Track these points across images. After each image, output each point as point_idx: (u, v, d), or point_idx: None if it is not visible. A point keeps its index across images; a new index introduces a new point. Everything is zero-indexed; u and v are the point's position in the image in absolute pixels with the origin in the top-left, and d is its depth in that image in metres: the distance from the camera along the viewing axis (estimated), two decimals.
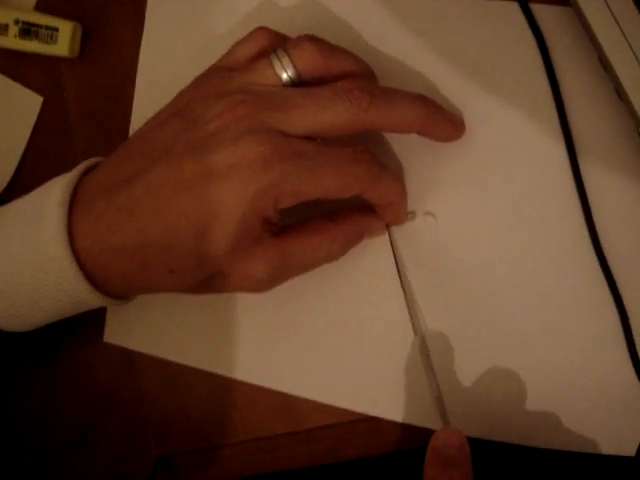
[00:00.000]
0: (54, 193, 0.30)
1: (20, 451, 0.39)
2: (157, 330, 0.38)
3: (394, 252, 0.35)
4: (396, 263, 0.35)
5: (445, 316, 0.35)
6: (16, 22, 0.38)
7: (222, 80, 0.32)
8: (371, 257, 0.36)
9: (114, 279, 0.31)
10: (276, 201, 0.29)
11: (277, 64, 0.31)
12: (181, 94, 0.33)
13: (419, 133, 0.33)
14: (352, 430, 0.36)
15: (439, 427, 0.33)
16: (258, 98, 0.30)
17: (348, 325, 0.36)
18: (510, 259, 0.35)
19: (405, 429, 0.35)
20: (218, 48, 0.38)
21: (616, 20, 0.32)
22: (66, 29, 0.38)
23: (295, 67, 0.31)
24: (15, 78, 0.40)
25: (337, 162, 0.30)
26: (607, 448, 0.34)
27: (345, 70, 0.32)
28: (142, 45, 0.39)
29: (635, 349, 0.33)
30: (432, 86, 0.36)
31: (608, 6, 0.32)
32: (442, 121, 0.33)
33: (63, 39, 0.38)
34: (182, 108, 0.31)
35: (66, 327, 0.38)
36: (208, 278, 0.31)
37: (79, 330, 0.39)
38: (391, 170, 0.32)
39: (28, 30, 0.38)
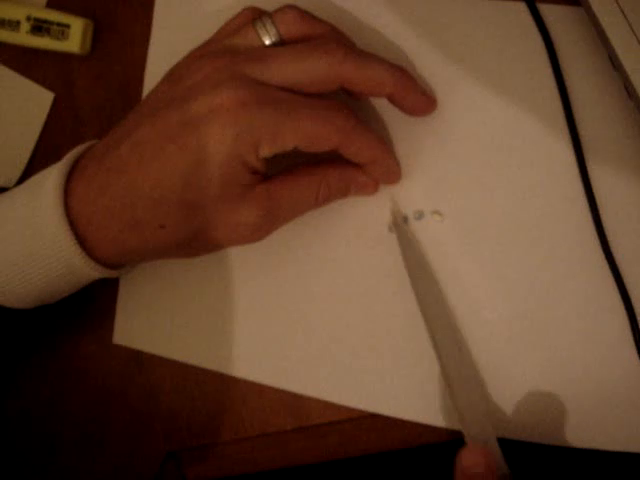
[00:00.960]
0: (55, 167, 0.32)
1: (29, 447, 0.39)
2: (165, 331, 0.38)
3: (402, 250, 0.35)
4: (405, 262, 0.35)
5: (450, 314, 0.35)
6: (28, 19, 0.39)
7: (206, 46, 0.33)
8: (380, 255, 0.36)
9: (108, 241, 0.31)
10: (256, 146, 0.30)
11: (261, 29, 0.32)
12: (171, 67, 0.34)
13: (391, 99, 0.33)
14: (359, 426, 0.36)
15: (444, 424, 0.34)
16: (238, 52, 0.31)
17: (356, 324, 0.36)
18: (517, 258, 0.35)
19: (412, 426, 0.35)
20: None
21: (627, 18, 0.32)
22: (77, 26, 0.38)
23: (278, 31, 0.32)
24: (26, 74, 0.40)
25: (315, 109, 0.31)
26: (615, 445, 0.33)
27: (325, 35, 0.33)
28: (150, 42, 0.39)
29: None
30: (438, 86, 0.36)
31: (619, 5, 0.32)
32: (414, 90, 0.34)
33: (74, 36, 0.39)
34: (169, 74, 0.33)
35: (76, 324, 0.38)
36: (200, 232, 0.31)
37: (88, 327, 0.39)
38: (370, 128, 0.33)
39: (40, 27, 0.39)
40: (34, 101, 0.40)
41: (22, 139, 0.40)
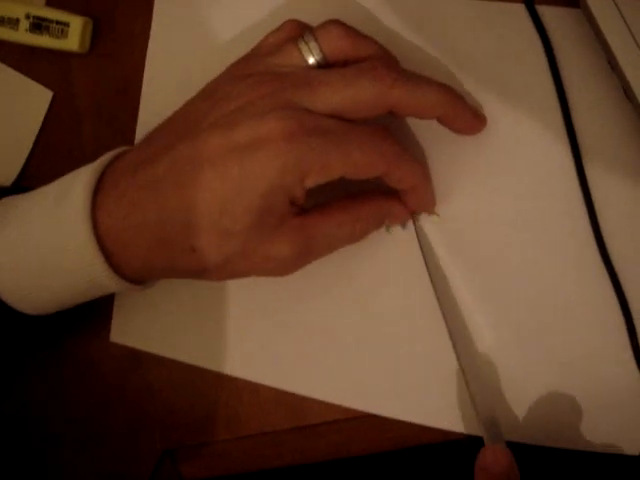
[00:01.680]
0: (82, 176, 0.30)
1: (26, 445, 0.39)
2: (163, 330, 0.38)
3: (421, 247, 0.35)
4: (424, 258, 0.35)
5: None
6: (27, 17, 0.39)
7: (248, 64, 0.32)
8: (378, 255, 0.36)
9: (135, 258, 0.31)
10: (303, 177, 0.29)
11: (304, 47, 0.31)
12: (210, 82, 0.33)
13: (440, 120, 0.33)
14: (356, 426, 0.36)
15: (444, 425, 0.34)
16: (283, 77, 0.30)
17: (354, 323, 0.36)
18: (513, 259, 0.35)
19: (409, 426, 0.35)
20: (225, 44, 0.38)
21: (625, 20, 0.32)
22: (77, 24, 0.38)
23: (321, 50, 0.31)
24: (25, 72, 0.40)
25: (362, 138, 0.30)
26: (610, 447, 0.34)
27: (370, 54, 0.32)
28: (150, 40, 0.39)
29: (639, 348, 0.34)
30: None
31: (617, 7, 0.32)
32: (465, 110, 0.33)
33: (74, 34, 0.38)
34: (209, 92, 0.32)
35: (73, 322, 0.38)
36: (229, 260, 0.30)
37: (86, 325, 0.39)
38: (412, 154, 0.32)
39: (39, 25, 0.39)
40: (33, 99, 0.40)
41: (21, 137, 0.40)
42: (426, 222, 0.35)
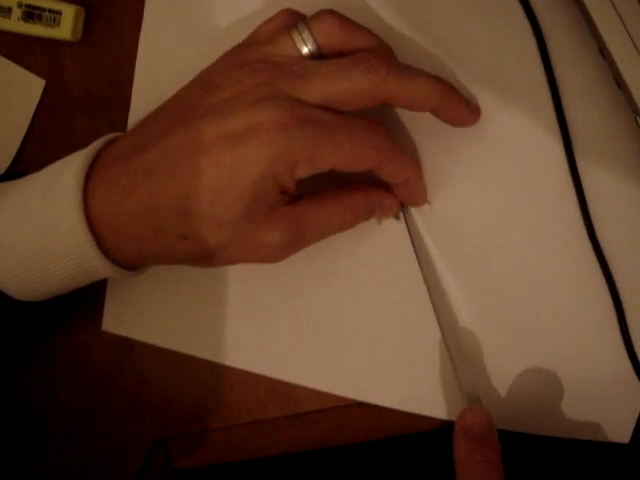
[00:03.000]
0: (74, 162, 0.31)
1: (17, 433, 0.39)
2: (155, 319, 0.38)
3: (411, 236, 0.35)
4: (414, 248, 0.35)
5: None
6: (19, 5, 0.39)
7: (243, 53, 0.32)
8: (370, 245, 0.36)
9: (127, 244, 0.31)
10: (293, 167, 0.29)
11: (297, 37, 0.31)
12: (204, 70, 0.33)
13: (434, 112, 0.33)
14: (348, 414, 0.36)
15: (434, 413, 0.34)
16: (277, 67, 0.30)
17: (345, 312, 0.36)
18: (504, 249, 0.35)
19: (401, 414, 0.35)
20: (217, 31, 0.38)
21: (615, 8, 0.32)
22: (69, 13, 0.38)
23: (315, 40, 0.31)
24: (17, 61, 0.40)
25: (354, 130, 0.30)
26: (601, 435, 0.34)
27: (365, 45, 0.32)
28: (142, 29, 0.39)
29: (630, 339, 0.34)
30: None
31: None
32: (458, 102, 0.33)
33: (66, 22, 0.38)
34: (204, 79, 0.32)
35: (65, 310, 0.38)
36: (221, 247, 0.31)
37: (77, 313, 0.39)
38: (404, 148, 0.33)
39: (31, 13, 0.39)
40: (25, 88, 0.40)
41: (13, 126, 0.40)
42: (417, 212, 0.36)
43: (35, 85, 0.40)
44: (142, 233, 0.30)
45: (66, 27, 0.39)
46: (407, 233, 0.35)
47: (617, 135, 0.35)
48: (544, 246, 0.35)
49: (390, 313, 0.35)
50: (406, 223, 0.35)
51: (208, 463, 0.38)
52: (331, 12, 0.32)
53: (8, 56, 0.40)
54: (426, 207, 0.35)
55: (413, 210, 0.36)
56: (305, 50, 0.31)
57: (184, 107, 0.31)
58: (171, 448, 0.38)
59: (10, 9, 0.39)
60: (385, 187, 0.34)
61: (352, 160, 0.30)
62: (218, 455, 0.38)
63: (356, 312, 0.36)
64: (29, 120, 0.40)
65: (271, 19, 0.33)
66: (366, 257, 0.36)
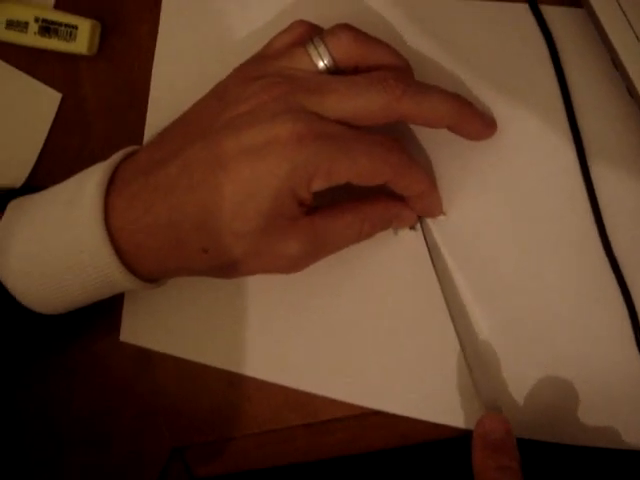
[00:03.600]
0: (93, 176, 0.31)
1: (35, 442, 0.39)
2: (172, 330, 0.38)
3: (428, 246, 0.35)
4: (431, 258, 0.35)
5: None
6: (36, 20, 0.39)
7: (259, 66, 0.32)
8: (387, 255, 0.36)
9: (147, 258, 0.31)
10: (309, 181, 0.30)
11: (313, 52, 0.31)
12: (220, 82, 0.33)
13: (450, 129, 0.33)
14: (365, 422, 0.36)
15: (451, 422, 0.34)
16: (294, 81, 0.31)
17: (362, 321, 0.36)
18: (518, 257, 0.35)
19: (417, 423, 0.35)
20: (232, 43, 0.39)
21: (628, 19, 0.33)
22: (85, 27, 0.39)
23: (331, 55, 0.31)
24: (34, 75, 0.41)
25: (370, 145, 0.31)
26: (614, 442, 0.34)
27: (381, 60, 0.32)
28: (157, 42, 0.40)
29: None
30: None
31: (620, 6, 0.33)
32: (473, 118, 0.33)
33: (82, 37, 0.39)
34: (220, 92, 0.32)
35: (83, 321, 0.38)
36: (241, 259, 0.31)
37: (95, 324, 0.39)
38: (419, 163, 0.33)
39: (48, 28, 0.39)
40: (42, 101, 0.40)
41: (30, 139, 0.40)
42: (433, 222, 0.36)
43: (52, 98, 0.40)
44: (163, 247, 0.31)
45: (82, 41, 0.39)
46: (424, 243, 0.35)
47: (630, 144, 0.35)
48: (558, 252, 0.35)
49: (407, 322, 0.36)
50: (423, 233, 0.36)
51: (226, 472, 0.38)
52: (347, 26, 0.32)
53: (25, 70, 0.41)
54: (441, 217, 0.36)
55: (429, 220, 0.36)
56: (321, 65, 0.31)
57: (202, 121, 0.32)
58: (189, 457, 0.39)
59: (27, 24, 0.39)
60: (401, 199, 0.34)
61: (367, 174, 0.31)
62: (236, 464, 0.38)
63: (373, 321, 0.36)
64: (46, 133, 0.40)
65: (285, 31, 0.33)
66: (382, 267, 0.36)
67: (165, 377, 0.38)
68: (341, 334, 0.36)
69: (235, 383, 0.37)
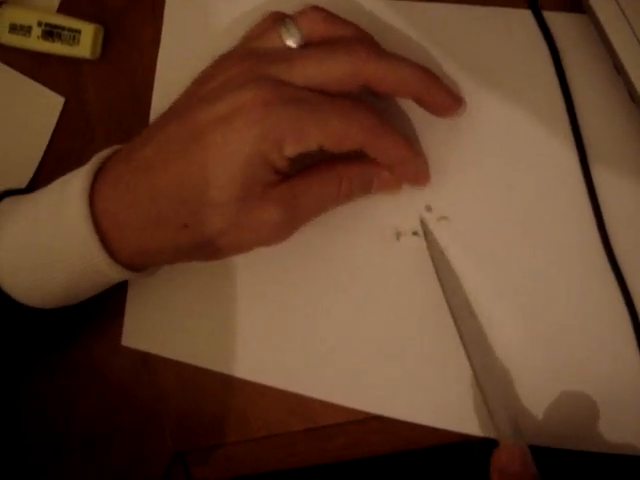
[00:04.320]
0: (83, 167, 0.32)
1: (37, 446, 0.39)
2: (173, 334, 0.38)
3: (430, 250, 0.35)
4: (433, 261, 0.35)
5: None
6: (39, 24, 0.39)
7: (234, 50, 0.34)
8: (387, 261, 0.36)
9: (130, 240, 0.32)
10: (280, 144, 0.30)
11: (284, 31, 0.32)
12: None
13: (417, 100, 0.33)
14: (365, 428, 0.36)
15: (461, 429, 0.34)
16: (263, 55, 0.32)
17: (362, 326, 0.36)
18: (520, 259, 0.35)
19: (417, 428, 0.35)
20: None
21: (630, 25, 0.33)
22: (88, 31, 0.39)
23: (300, 32, 0.32)
24: (37, 79, 0.41)
25: (340, 107, 0.31)
26: (615, 448, 0.34)
27: (348, 35, 0.33)
28: (160, 47, 0.40)
29: None
30: None
31: (622, 11, 0.33)
32: (439, 89, 0.33)
33: (85, 41, 0.39)
34: (197, 79, 0.33)
35: (85, 325, 0.39)
36: (222, 232, 0.31)
37: (97, 329, 0.39)
38: (397, 128, 0.33)
39: (51, 32, 0.39)
40: (45, 105, 0.40)
41: (33, 142, 0.40)
42: (435, 226, 0.36)
43: (54, 102, 0.40)
44: (144, 226, 0.31)
45: (85, 45, 0.39)
46: (425, 247, 0.35)
47: (631, 148, 0.35)
48: (559, 255, 0.35)
49: (409, 327, 0.35)
50: (424, 234, 0.36)
51: (227, 476, 0.38)
52: (317, 7, 0.33)
53: (28, 74, 0.41)
54: (444, 222, 0.36)
55: (431, 225, 0.36)
56: (290, 42, 0.32)
57: (178, 105, 0.33)
58: (190, 461, 0.39)
59: (30, 28, 0.39)
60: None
61: (339, 137, 0.31)
62: (236, 468, 0.38)
63: (374, 326, 0.36)
64: (48, 137, 0.40)
65: (260, 22, 0.34)
66: (385, 271, 0.36)
67: (166, 381, 0.38)
68: (342, 339, 0.36)
69: (236, 388, 0.37)
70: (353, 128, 0.31)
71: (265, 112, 0.29)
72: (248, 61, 0.31)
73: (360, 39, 0.33)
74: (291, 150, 0.30)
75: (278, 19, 0.33)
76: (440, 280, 0.35)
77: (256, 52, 0.32)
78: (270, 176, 0.31)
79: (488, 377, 0.33)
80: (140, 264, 0.34)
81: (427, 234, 0.35)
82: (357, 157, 0.33)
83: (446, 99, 0.34)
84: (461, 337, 0.34)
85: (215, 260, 0.34)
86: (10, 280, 0.32)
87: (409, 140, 0.33)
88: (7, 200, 0.34)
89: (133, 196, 0.31)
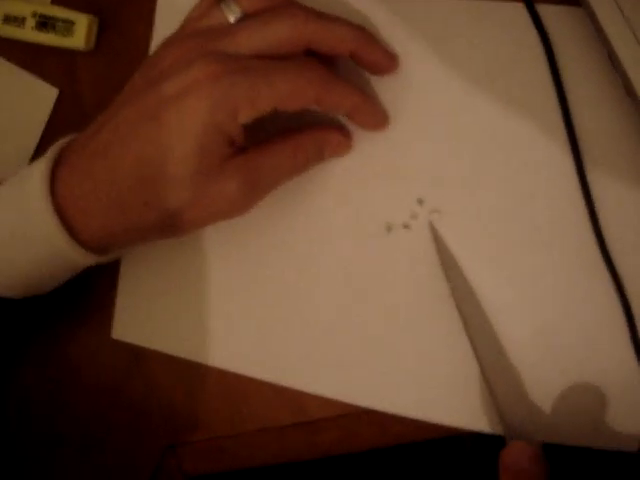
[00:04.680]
0: (42, 157, 0.33)
1: (27, 443, 0.39)
2: (164, 327, 0.38)
3: (436, 243, 0.35)
4: (439, 255, 0.35)
5: (450, 309, 0.35)
6: (33, 15, 0.39)
7: (177, 33, 0.34)
8: (379, 254, 0.36)
9: (94, 224, 0.32)
10: (234, 113, 0.31)
11: (224, 7, 0.33)
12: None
13: (354, 57, 0.34)
14: (357, 422, 0.36)
15: (451, 423, 0.34)
16: (207, 33, 0.32)
17: (355, 319, 0.36)
18: (515, 259, 0.35)
19: (410, 422, 0.35)
20: None
21: (626, 18, 0.32)
22: (82, 22, 0.39)
23: (241, 7, 0.33)
24: (31, 70, 0.41)
25: (287, 68, 0.32)
26: (609, 443, 0.34)
27: (286, 4, 0.33)
28: (153, 38, 0.40)
29: (639, 346, 0.34)
30: (434, 86, 0.36)
31: (618, 5, 0.33)
32: (375, 47, 0.35)
33: (79, 32, 0.39)
34: (144, 65, 0.34)
35: (74, 319, 0.39)
36: (182, 207, 0.32)
37: (87, 322, 0.39)
38: (345, 78, 0.34)
39: (45, 23, 0.39)
40: (38, 97, 0.40)
41: (26, 134, 0.40)
42: (426, 221, 0.36)
43: (48, 94, 0.40)
44: (106, 209, 0.32)
45: (79, 37, 0.39)
46: (417, 242, 0.35)
47: (627, 144, 0.35)
48: (554, 254, 0.35)
49: (402, 321, 0.35)
50: (430, 228, 0.35)
51: (219, 470, 0.38)
52: None
53: (22, 65, 0.41)
54: (435, 216, 0.35)
55: (422, 219, 0.36)
56: (232, 19, 0.33)
57: (129, 91, 0.33)
58: (182, 455, 0.38)
59: (24, 19, 0.39)
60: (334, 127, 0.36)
61: (290, 96, 0.32)
62: (228, 462, 0.38)
63: (367, 320, 0.36)
64: (42, 128, 0.40)
65: (201, 1, 0.35)
66: (376, 265, 0.36)
67: (157, 375, 0.38)
68: (334, 332, 0.36)
69: (228, 381, 0.37)
70: (302, 85, 0.32)
71: (215, 85, 0.30)
72: (192, 40, 0.32)
73: (297, 4, 0.33)
74: (245, 116, 0.31)
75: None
76: (444, 270, 0.35)
77: (199, 31, 0.33)
78: (226, 148, 0.32)
79: (497, 374, 0.33)
80: (106, 246, 0.34)
81: (437, 239, 0.35)
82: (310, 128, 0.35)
83: (381, 57, 0.35)
84: (468, 332, 0.34)
85: (180, 237, 0.34)
86: None
87: (359, 88, 0.35)
88: None
89: (92, 182, 0.31)
